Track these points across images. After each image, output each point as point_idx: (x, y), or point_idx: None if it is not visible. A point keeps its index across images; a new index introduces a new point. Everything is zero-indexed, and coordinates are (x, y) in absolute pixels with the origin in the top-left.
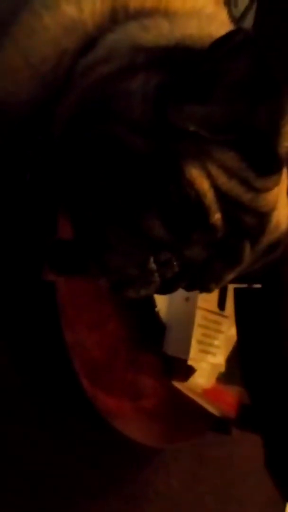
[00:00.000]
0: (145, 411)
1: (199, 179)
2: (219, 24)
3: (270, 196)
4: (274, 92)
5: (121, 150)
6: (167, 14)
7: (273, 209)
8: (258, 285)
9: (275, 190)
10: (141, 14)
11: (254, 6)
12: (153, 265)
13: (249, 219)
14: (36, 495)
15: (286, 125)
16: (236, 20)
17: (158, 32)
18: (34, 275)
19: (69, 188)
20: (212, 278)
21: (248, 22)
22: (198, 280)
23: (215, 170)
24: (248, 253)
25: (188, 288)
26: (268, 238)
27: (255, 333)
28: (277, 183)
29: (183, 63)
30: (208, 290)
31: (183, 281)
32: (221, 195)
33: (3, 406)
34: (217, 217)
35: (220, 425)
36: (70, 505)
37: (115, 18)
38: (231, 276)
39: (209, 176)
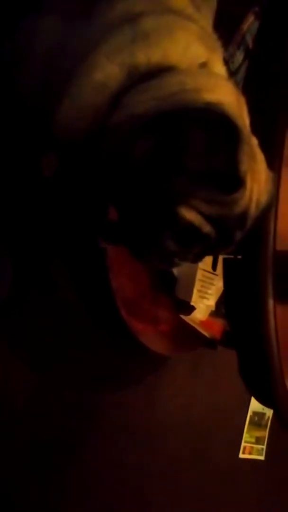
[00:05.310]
0: (162, 332)
1: (187, 213)
2: (203, 77)
3: (243, 201)
4: (228, 140)
5: (144, 197)
6: (167, 69)
7: (249, 204)
8: (239, 256)
9: (247, 194)
10: (150, 71)
11: (246, 63)
12: (177, 260)
13: (232, 221)
14: (81, 380)
15: (242, 155)
16: (233, 73)
17: (150, 95)
18: (93, 243)
19: (116, 203)
20: (220, 252)
21: (242, 75)
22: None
23: (197, 203)
24: (239, 235)
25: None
26: (253, 218)
27: (235, 287)
28: (244, 193)
29: (165, 130)
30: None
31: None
32: (207, 216)
33: (70, 328)
34: (207, 229)
35: (210, 343)
36: (105, 389)
37: (131, 77)
38: (232, 248)
39: (194, 208)
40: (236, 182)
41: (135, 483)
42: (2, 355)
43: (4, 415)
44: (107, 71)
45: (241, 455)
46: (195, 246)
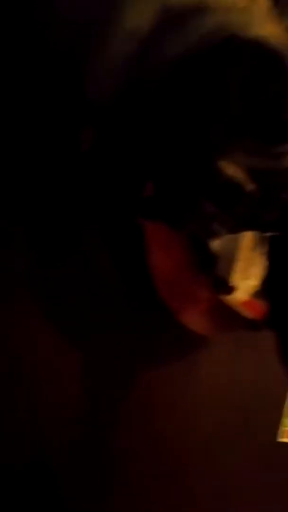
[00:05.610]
0: (201, 312)
1: (228, 168)
2: (246, 14)
3: None
4: (276, 77)
5: (180, 153)
6: (204, 9)
7: None
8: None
9: None
10: (185, 12)
11: None
12: (216, 225)
13: (278, 178)
14: (118, 357)
15: None
16: None
17: (185, 38)
18: (131, 220)
19: (152, 168)
20: (265, 219)
21: None
22: (254, 223)
23: (238, 155)
24: (285, 196)
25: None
26: None
27: (279, 267)
28: None
29: (202, 71)
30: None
31: (240, 228)
32: (250, 170)
33: (107, 305)
34: (251, 187)
35: (251, 324)
36: (143, 367)
37: (165, 21)
38: (277, 212)
39: (235, 161)
40: (284, 132)
41: (172, 459)
42: (33, 329)
43: (48, 392)
44: (139, 15)
45: (282, 439)
46: (236, 207)
